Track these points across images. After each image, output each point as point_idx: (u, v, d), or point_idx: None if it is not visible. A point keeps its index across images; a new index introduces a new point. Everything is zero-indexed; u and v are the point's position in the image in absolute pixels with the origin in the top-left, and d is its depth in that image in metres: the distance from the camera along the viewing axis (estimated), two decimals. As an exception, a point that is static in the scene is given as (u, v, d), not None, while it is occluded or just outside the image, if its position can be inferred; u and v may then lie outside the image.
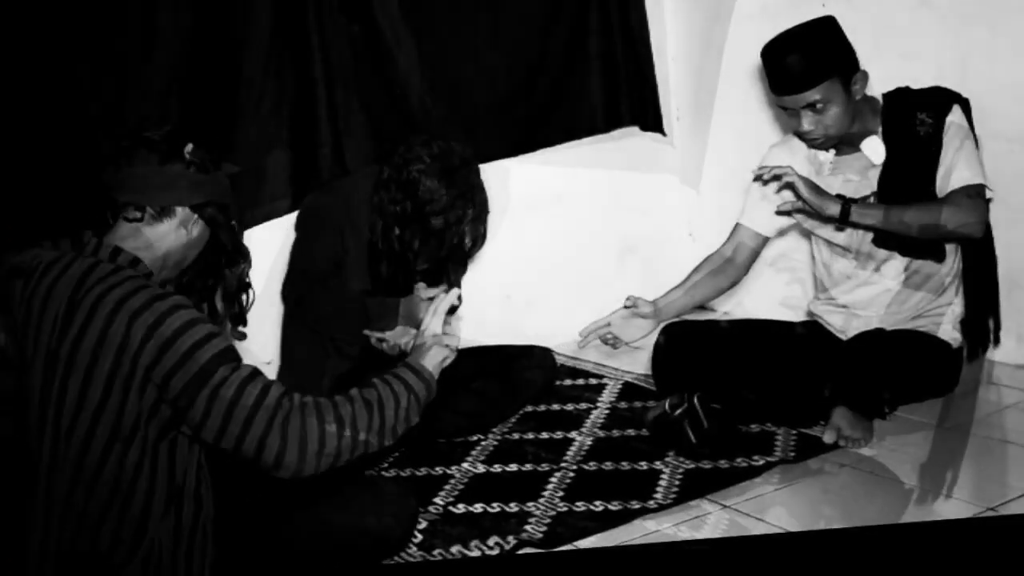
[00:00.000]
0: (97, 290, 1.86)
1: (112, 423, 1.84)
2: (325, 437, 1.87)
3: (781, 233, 3.19)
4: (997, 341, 3.12)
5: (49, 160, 2.92)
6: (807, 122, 2.81)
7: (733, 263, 3.09)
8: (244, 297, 2.14)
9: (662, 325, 3.10)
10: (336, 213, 2.99)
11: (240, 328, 2.17)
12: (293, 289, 3.04)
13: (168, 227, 2.00)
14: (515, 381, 3.21)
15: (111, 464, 1.86)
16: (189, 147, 2.01)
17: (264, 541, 2.13)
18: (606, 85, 3.96)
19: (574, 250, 3.97)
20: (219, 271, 2.10)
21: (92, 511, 1.86)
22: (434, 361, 2.09)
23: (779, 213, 3.00)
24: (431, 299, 2.88)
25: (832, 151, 2.95)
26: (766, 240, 3.12)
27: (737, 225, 3.12)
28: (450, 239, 2.93)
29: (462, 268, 3.18)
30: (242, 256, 2.11)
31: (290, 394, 1.88)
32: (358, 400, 1.94)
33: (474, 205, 2.92)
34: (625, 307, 2.96)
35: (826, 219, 2.88)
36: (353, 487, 2.35)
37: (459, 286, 3.23)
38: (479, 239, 2.98)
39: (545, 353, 3.35)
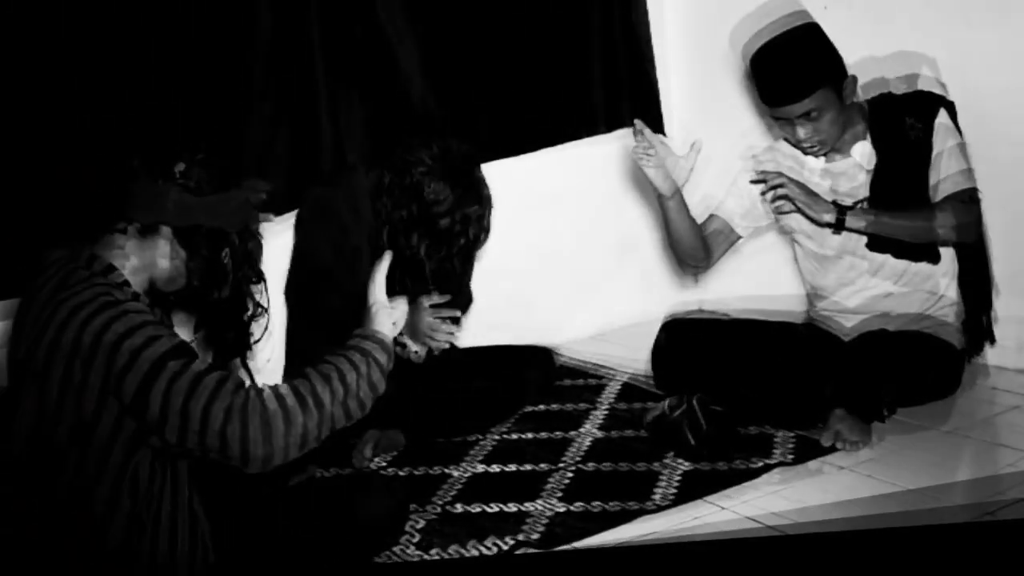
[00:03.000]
0: (60, 297, 1.85)
1: (69, 433, 1.82)
2: (290, 417, 1.82)
3: (750, 234, 3.20)
4: (992, 340, 3.12)
5: (47, 164, 2.92)
6: (803, 132, 2.83)
7: (706, 246, 3.09)
8: (233, 327, 2.05)
9: (663, 319, 3.17)
10: (340, 209, 2.98)
11: (242, 359, 2.10)
12: (297, 287, 3.03)
13: (152, 245, 1.96)
14: (515, 381, 3.22)
15: (69, 475, 1.84)
16: (180, 166, 1.95)
17: (257, 541, 2.13)
18: (607, 85, 3.96)
19: (574, 250, 3.97)
20: (201, 298, 2.02)
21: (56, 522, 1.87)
22: (385, 325, 2.07)
23: (778, 213, 3.01)
24: (433, 306, 2.89)
25: (822, 157, 2.96)
26: (738, 237, 3.13)
27: (711, 216, 3.12)
28: (458, 238, 2.92)
29: (470, 265, 3.17)
30: (220, 286, 2.01)
31: (246, 387, 1.85)
32: (316, 376, 1.90)
33: (480, 201, 2.91)
34: (691, 148, 2.85)
35: (820, 226, 2.89)
36: (343, 483, 2.36)
37: (469, 287, 3.23)
38: (484, 233, 2.97)
39: (546, 353, 3.35)
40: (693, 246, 3.06)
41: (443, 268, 2.98)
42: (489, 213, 2.96)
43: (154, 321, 1.86)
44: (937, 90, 2.99)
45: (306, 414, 1.84)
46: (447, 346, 2.96)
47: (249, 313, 2.06)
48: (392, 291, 2.95)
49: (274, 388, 1.86)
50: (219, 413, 1.78)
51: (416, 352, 2.94)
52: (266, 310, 2.10)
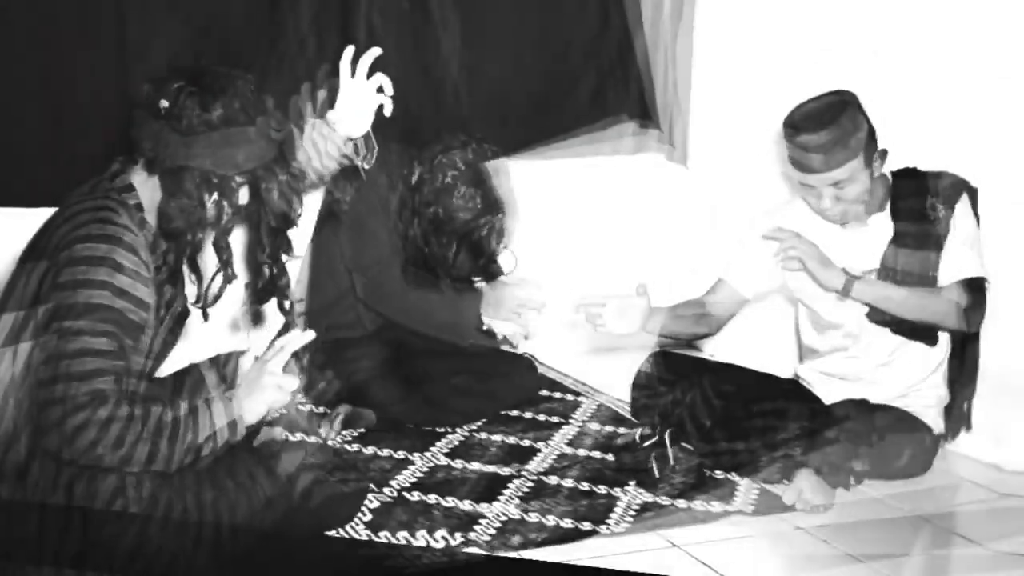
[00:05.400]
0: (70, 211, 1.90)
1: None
2: (130, 457, 1.84)
3: (759, 297, 3.19)
4: (969, 426, 3.13)
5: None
6: (828, 200, 2.83)
7: (711, 318, 3.09)
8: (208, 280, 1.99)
9: (650, 352, 3.13)
10: (379, 202, 3.01)
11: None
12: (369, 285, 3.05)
13: (153, 180, 1.94)
14: (496, 384, 3.22)
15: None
16: (164, 103, 1.88)
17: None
18: (596, 77, 3.95)
19: (570, 263, 3.95)
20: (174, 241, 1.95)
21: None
22: (257, 407, 1.95)
23: (786, 270, 3.02)
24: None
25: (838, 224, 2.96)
26: (745, 302, 3.13)
27: (720, 281, 3.12)
28: (482, 242, 2.98)
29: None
30: (194, 232, 1.93)
31: (118, 400, 1.82)
32: (166, 427, 1.86)
33: (503, 211, 2.98)
34: (636, 293, 2.89)
35: (826, 291, 2.89)
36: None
37: None
38: (504, 241, 3.03)
39: (530, 365, 3.37)
40: (696, 335, 3.15)
41: (472, 266, 3.03)
42: (511, 222, 3.01)
43: (116, 238, 1.83)
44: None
45: (148, 458, 1.86)
46: (532, 329, 3.03)
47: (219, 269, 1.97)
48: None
49: (144, 415, 1.84)
50: (69, 408, 1.79)
51: (504, 336, 3.01)
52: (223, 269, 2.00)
